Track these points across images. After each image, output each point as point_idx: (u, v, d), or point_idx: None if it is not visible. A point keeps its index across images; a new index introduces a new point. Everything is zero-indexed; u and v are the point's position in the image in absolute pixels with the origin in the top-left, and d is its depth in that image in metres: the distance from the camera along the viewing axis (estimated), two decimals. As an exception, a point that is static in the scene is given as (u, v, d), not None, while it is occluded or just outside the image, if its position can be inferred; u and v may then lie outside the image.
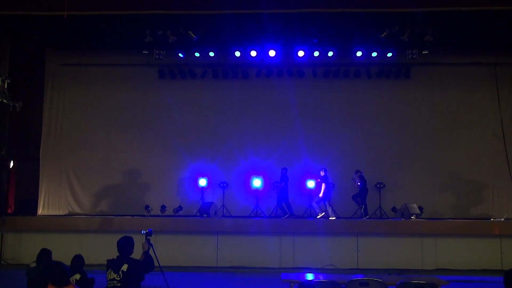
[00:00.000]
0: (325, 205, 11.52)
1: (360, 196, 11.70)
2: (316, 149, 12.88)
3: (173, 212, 12.08)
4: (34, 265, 6.25)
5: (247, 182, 12.51)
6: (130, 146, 13.24)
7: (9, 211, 12.11)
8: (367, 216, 11.50)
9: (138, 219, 11.26)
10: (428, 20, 11.06)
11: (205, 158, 12.98)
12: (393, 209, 12.09)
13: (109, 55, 13.32)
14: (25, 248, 10.69)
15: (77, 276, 5.78)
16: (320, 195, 11.52)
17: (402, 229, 10.71)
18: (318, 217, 11.39)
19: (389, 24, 11.32)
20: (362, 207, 11.61)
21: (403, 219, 11.11)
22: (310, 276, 6.26)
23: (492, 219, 11.37)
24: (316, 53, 12.45)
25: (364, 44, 12.32)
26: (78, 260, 6.18)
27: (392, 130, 13.03)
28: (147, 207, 12.02)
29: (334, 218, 11.30)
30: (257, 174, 12.37)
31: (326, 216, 11.33)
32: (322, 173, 11.60)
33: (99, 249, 8.98)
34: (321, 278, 6.04)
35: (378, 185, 12.35)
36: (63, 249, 9.13)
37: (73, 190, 13.07)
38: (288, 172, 11.93)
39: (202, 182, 12.62)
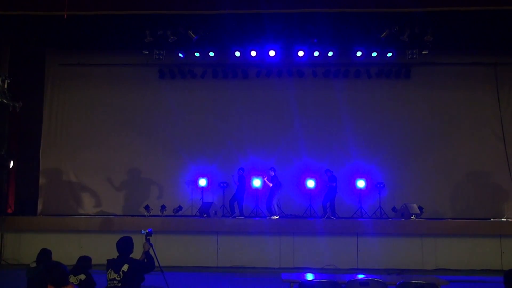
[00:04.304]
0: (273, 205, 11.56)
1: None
2: (316, 149, 12.89)
3: (173, 212, 12.07)
4: (34, 265, 6.24)
5: (247, 182, 12.49)
6: (130, 146, 13.24)
7: (9, 211, 12.11)
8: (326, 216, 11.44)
9: (138, 219, 11.26)
10: (428, 20, 11.06)
11: (205, 158, 12.97)
12: (393, 209, 12.08)
13: (109, 55, 13.31)
14: (25, 248, 10.69)
15: (82, 277, 5.77)
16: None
17: (402, 229, 10.70)
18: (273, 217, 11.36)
19: (389, 24, 11.32)
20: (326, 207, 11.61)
21: (403, 219, 11.10)
22: (310, 276, 6.26)
23: (492, 219, 11.36)
24: (316, 53, 12.45)
25: (364, 44, 12.32)
26: (83, 261, 6.17)
27: (392, 130, 13.03)
28: (147, 207, 12.01)
29: (277, 217, 11.30)
30: (257, 174, 12.36)
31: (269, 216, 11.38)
32: (272, 173, 11.66)
33: (99, 249, 8.96)
34: (321, 278, 6.03)
35: (378, 185, 12.34)
36: (63, 249, 9.20)
37: (73, 190, 13.07)
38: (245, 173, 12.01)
39: (202, 182, 12.61)
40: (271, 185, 11.58)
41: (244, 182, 11.92)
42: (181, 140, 13.14)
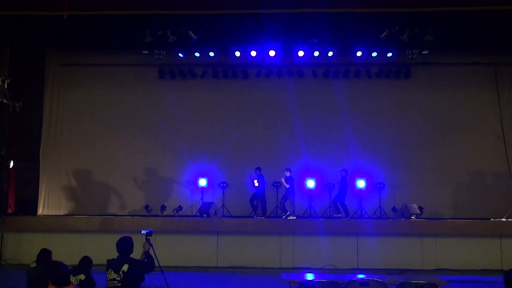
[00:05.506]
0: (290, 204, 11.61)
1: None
2: (316, 149, 12.89)
3: (173, 212, 12.08)
4: (34, 265, 6.23)
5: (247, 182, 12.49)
6: (130, 146, 13.24)
7: (9, 211, 12.11)
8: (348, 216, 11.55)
9: (138, 219, 11.27)
10: (428, 20, 11.06)
11: (205, 158, 12.97)
12: (393, 209, 12.09)
13: (109, 55, 13.31)
14: (25, 248, 10.69)
15: (82, 277, 5.77)
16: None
17: (402, 229, 10.70)
18: (283, 217, 11.42)
19: (389, 24, 11.33)
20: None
21: (403, 219, 11.11)
22: (310, 276, 6.26)
23: (492, 219, 11.36)
24: (316, 53, 12.44)
25: (364, 44, 12.32)
26: (85, 261, 6.18)
27: (392, 130, 13.03)
28: (147, 207, 12.03)
29: (294, 217, 11.34)
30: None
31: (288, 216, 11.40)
32: (287, 174, 11.64)
33: (99, 249, 8.97)
34: (321, 278, 6.03)
35: (378, 185, 12.35)
36: (63, 249, 9.18)
37: (73, 190, 13.07)
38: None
39: (202, 182, 12.61)
40: (287, 186, 11.58)
41: (263, 181, 11.87)
42: (181, 140, 13.14)
